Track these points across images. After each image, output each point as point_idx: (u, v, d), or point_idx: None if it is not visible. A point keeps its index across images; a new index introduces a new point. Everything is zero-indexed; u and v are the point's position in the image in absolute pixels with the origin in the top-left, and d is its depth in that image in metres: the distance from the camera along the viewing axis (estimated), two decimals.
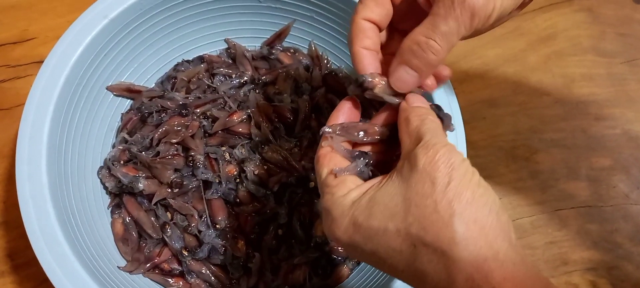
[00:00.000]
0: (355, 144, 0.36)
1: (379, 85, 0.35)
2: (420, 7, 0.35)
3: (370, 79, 0.35)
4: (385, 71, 0.36)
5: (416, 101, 0.35)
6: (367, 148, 0.36)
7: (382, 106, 0.37)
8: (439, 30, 0.33)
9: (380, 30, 0.37)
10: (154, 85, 0.58)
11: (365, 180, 0.33)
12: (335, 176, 0.33)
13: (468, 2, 0.32)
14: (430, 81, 0.37)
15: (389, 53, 0.38)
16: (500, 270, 0.27)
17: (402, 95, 0.36)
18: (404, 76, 0.35)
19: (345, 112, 0.37)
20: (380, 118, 0.37)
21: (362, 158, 0.34)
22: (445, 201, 0.28)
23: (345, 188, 0.32)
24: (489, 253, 0.27)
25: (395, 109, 0.36)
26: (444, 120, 0.35)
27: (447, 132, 0.35)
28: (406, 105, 0.35)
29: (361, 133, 0.36)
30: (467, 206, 0.28)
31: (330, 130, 0.35)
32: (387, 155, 0.36)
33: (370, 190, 0.31)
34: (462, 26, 0.33)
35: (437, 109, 0.36)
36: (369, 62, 0.36)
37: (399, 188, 0.30)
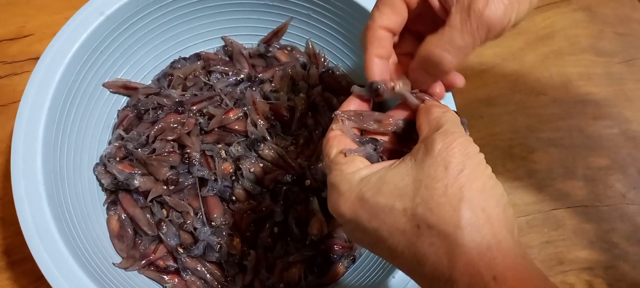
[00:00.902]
0: (364, 133, 0.37)
1: (390, 90, 0.36)
2: (434, 10, 0.35)
3: (383, 85, 0.36)
4: (397, 71, 0.38)
5: (436, 103, 0.36)
6: (377, 138, 0.37)
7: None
8: (455, 45, 0.33)
9: (394, 35, 0.37)
10: (150, 82, 0.58)
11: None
12: (345, 155, 0.33)
13: (486, 17, 0.31)
14: (439, 89, 0.37)
15: (401, 53, 0.39)
16: (503, 259, 0.27)
17: (421, 100, 0.37)
18: (421, 78, 0.36)
19: (356, 104, 0.37)
20: (395, 113, 0.37)
21: (371, 144, 0.35)
22: (456, 186, 0.28)
23: (355, 167, 0.32)
24: (493, 241, 0.27)
25: (410, 108, 0.37)
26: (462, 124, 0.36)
27: None
28: (427, 102, 0.36)
29: (374, 122, 0.36)
30: (477, 194, 0.28)
31: (343, 114, 0.36)
32: (396, 147, 0.37)
33: (381, 170, 0.31)
34: (478, 40, 0.33)
35: (457, 115, 0.37)
36: (380, 70, 0.36)
37: (411, 170, 0.30)
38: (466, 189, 0.28)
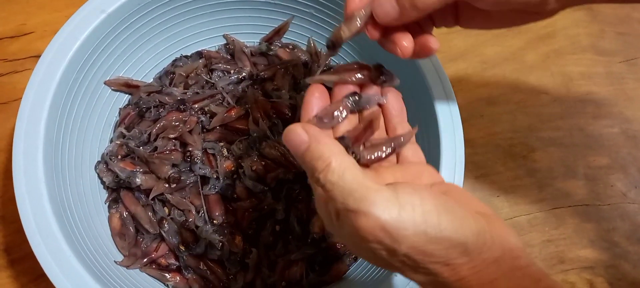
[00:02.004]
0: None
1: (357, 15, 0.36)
2: None
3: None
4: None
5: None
6: (345, 129, 0.36)
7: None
8: None
9: None
10: (152, 80, 0.58)
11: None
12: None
13: None
14: (406, 42, 0.36)
15: None
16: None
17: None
18: (386, 6, 0.34)
19: (316, 103, 0.36)
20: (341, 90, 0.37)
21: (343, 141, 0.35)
22: None
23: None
24: None
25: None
26: (387, 79, 0.36)
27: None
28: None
29: (337, 113, 0.36)
30: None
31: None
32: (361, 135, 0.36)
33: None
34: None
35: (379, 68, 0.37)
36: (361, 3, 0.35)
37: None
38: None
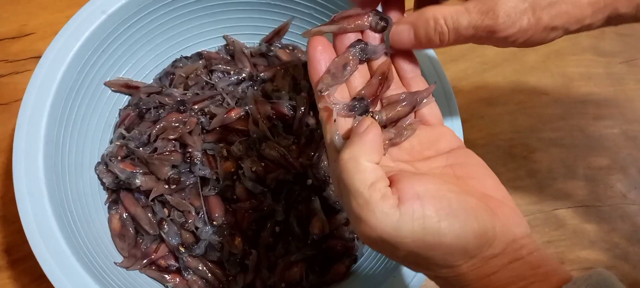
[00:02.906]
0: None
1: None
2: None
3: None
4: None
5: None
6: (358, 83, 0.36)
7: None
8: (457, 26, 0.33)
9: None
10: (152, 81, 0.58)
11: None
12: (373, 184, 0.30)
13: (495, 22, 0.32)
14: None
15: None
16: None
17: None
18: (403, 35, 0.35)
19: (322, 57, 0.36)
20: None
21: (360, 105, 0.35)
22: None
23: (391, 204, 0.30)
24: None
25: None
26: (389, 24, 0.36)
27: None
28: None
29: (349, 66, 0.36)
30: None
31: (323, 86, 0.34)
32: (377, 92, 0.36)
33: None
34: (476, 37, 0.33)
35: (377, 14, 0.37)
36: None
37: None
38: None
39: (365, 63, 0.37)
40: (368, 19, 0.37)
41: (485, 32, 0.33)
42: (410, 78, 0.38)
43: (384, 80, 0.36)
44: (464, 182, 0.33)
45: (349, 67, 0.36)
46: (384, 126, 0.36)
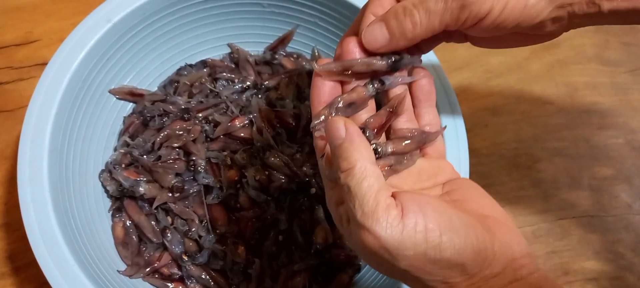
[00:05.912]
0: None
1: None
2: None
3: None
4: None
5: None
6: (364, 115, 0.36)
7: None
8: (426, 5, 0.32)
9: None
10: (156, 89, 0.58)
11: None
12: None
13: None
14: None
15: None
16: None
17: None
18: (376, 32, 0.34)
19: (327, 92, 0.35)
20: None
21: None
22: None
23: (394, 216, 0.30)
24: None
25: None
26: (402, 56, 0.35)
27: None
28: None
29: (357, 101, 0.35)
30: None
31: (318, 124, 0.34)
32: (384, 121, 0.36)
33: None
34: (448, 13, 0.32)
35: (394, 61, 0.35)
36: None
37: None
38: None
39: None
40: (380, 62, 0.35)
41: (457, 7, 0.32)
42: (422, 108, 0.37)
43: (394, 112, 0.35)
44: (462, 205, 0.33)
45: (354, 105, 0.35)
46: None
